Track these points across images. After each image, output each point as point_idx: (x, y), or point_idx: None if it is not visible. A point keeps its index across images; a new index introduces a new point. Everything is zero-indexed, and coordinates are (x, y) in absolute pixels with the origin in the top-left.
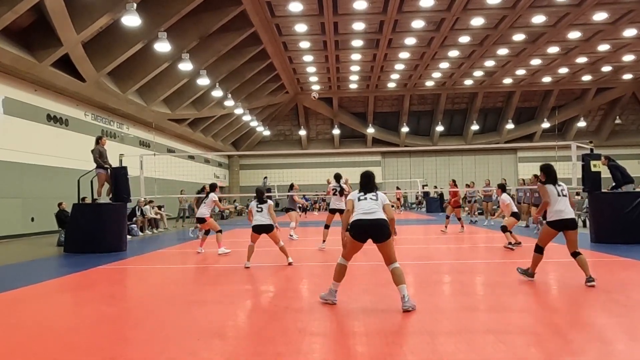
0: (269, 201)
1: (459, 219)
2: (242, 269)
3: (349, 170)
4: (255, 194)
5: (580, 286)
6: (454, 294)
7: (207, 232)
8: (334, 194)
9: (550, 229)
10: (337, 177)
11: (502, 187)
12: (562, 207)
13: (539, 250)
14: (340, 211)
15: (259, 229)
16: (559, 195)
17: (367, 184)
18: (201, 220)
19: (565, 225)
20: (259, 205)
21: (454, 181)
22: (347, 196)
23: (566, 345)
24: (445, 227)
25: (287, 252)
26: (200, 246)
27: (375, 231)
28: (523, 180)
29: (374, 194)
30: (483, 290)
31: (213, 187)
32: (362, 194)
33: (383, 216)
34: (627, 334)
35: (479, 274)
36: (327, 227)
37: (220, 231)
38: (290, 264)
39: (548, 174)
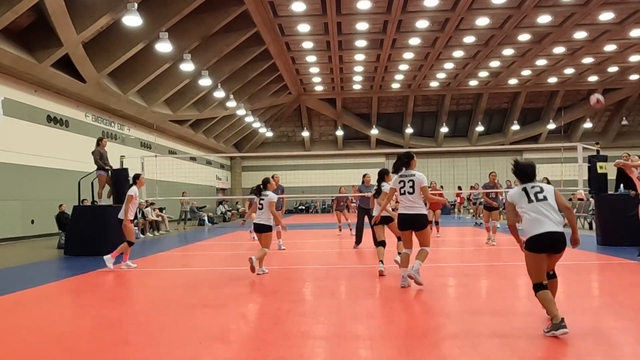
0: (270, 194)
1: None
2: (244, 272)
3: (353, 172)
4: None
5: (587, 289)
6: (459, 297)
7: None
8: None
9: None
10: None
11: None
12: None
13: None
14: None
15: (256, 228)
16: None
17: (400, 165)
18: (120, 222)
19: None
20: (260, 201)
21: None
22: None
23: (573, 349)
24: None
25: (262, 263)
26: (124, 260)
27: (413, 224)
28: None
29: (411, 183)
30: (488, 293)
31: (134, 178)
32: (402, 183)
33: (420, 210)
34: (634, 337)
35: (484, 276)
36: (382, 244)
37: (130, 243)
38: (258, 273)
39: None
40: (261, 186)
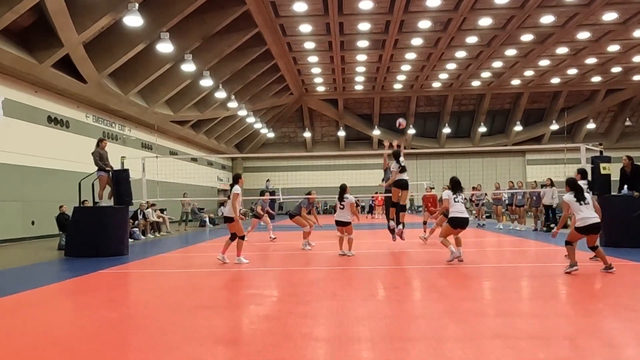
0: (349, 197)
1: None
2: (245, 273)
3: (355, 173)
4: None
5: (589, 290)
6: (461, 298)
7: (233, 237)
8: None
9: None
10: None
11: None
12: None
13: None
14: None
15: (338, 224)
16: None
17: (456, 186)
18: (228, 220)
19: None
20: (342, 202)
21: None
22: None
23: (575, 351)
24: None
25: (351, 246)
26: (222, 253)
27: (464, 224)
28: (535, 182)
29: (462, 197)
30: (490, 294)
31: (236, 178)
32: (455, 195)
33: (467, 214)
34: (637, 339)
35: (486, 278)
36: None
37: (243, 237)
38: (348, 255)
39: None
40: (341, 191)
